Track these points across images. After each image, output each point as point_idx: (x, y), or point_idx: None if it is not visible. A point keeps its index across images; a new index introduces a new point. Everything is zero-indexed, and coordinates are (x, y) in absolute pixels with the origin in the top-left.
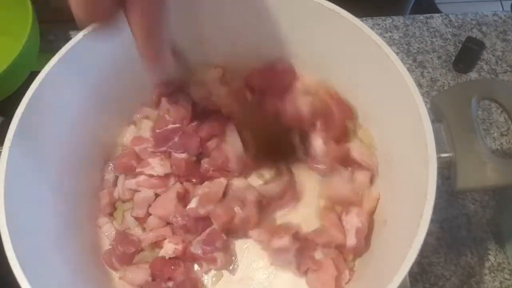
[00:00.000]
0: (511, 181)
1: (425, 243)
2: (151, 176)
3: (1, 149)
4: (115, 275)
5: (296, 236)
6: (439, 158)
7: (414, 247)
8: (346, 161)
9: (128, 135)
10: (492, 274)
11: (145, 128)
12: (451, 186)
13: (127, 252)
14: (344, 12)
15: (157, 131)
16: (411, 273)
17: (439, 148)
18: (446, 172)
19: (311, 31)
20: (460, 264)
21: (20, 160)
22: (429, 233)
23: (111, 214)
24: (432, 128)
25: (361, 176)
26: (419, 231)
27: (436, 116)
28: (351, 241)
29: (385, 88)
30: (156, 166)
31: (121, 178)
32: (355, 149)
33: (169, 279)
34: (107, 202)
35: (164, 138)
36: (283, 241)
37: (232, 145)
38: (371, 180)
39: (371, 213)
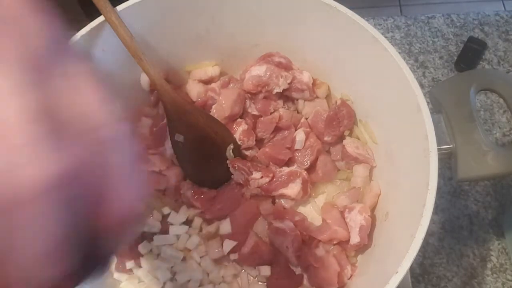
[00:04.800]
0: None
1: (427, 244)
2: (152, 172)
3: None
4: (113, 271)
5: (299, 223)
6: (439, 150)
7: (417, 237)
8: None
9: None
10: (494, 275)
11: (144, 126)
12: (452, 176)
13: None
14: (342, 7)
15: (154, 129)
16: (413, 274)
17: (439, 139)
18: (448, 173)
19: (309, 27)
20: (462, 265)
21: None
22: (431, 234)
23: None
24: (431, 119)
25: (361, 170)
26: (422, 220)
27: (435, 107)
28: (355, 239)
29: (384, 82)
30: (157, 162)
31: None
32: (349, 145)
33: None
34: None
35: (160, 134)
36: (283, 224)
37: None
38: (371, 174)
39: (373, 209)
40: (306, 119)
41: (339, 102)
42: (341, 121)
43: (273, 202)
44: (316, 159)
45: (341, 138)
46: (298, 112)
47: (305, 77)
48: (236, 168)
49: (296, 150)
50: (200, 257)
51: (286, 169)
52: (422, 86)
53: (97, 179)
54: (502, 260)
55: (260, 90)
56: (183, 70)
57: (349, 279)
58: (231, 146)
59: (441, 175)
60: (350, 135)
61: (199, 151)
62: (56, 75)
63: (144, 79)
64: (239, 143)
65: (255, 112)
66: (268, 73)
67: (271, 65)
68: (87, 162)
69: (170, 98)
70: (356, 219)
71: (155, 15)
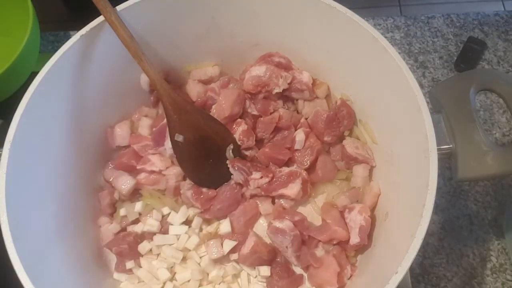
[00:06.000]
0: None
1: (427, 244)
2: (152, 172)
3: (1, 151)
4: (113, 271)
5: (298, 223)
6: (439, 150)
7: (417, 237)
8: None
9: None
10: (494, 275)
11: (144, 126)
12: (452, 176)
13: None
14: (341, 7)
15: (154, 129)
16: (413, 274)
17: (439, 139)
18: (448, 173)
19: (308, 27)
20: (462, 265)
21: (21, 162)
22: (431, 234)
23: (111, 215)
24: (431, 119)
25: (360, 170)
26: (422, 220)
27: (435, 107)
28: (355, 239)
29: (384, 82)
30: (157, 162)
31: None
32: (349, 145)
33: None
34: (107, 203)
35: (160, 134)
36: (283, 224)
37: None
38: (371, 174)
39: (373, 209)
40: (306, 119)
41: (339, 102)
42: (341, 121)
43: (273, 202)
44: (316, 159)
45: (341, 138)
46: (298, 112)
47: (305, 77)
48: (236, 168)
49: (296, 150)
50: (200, 257)
51: (286, 169)
52: (421, 86)
53: None
54: (502, 260)
55: (260, 90)
56: (183, 70)
57: (349, 279)
58: (231, 146)
59: (441, 175)
60: (350, 135)
61: (199, 151)
62: None
63: (144, 79)
64: (239, 143)
65: (255, 112)
66: (268, 73)
67: (271, 65)
68: None
69: (170, 98)
70: (356, 219)
71: (155, 15)
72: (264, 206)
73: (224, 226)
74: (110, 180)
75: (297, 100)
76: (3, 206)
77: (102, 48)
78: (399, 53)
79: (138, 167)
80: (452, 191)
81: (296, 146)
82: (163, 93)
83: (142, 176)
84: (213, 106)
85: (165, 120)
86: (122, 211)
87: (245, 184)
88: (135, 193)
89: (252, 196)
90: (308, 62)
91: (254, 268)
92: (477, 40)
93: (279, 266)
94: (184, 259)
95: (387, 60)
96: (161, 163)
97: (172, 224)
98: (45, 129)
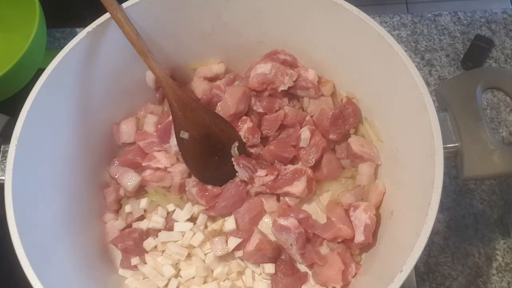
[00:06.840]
0: None
1: (432, 243)
2: (157, 169)
3: (8, 147)
4: (118, 267)
5: (303, 221)
6: (445, 148)
7: (422, 236)
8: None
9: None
10: (499, 274)
11: (150, 123)
12: (458, 175)
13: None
14: (347, 4)
15: (159, 126)
16: (417, 273)
17: (445, 138)
18: (454, 172)
19: (314, 25)
20: (467, 264)
21: (27, 158)
22: (436, 233)
23: (116, 211)
24: (437, 118)
25: (366, 168)
26: (428, 219)
27: (441, 106)
28: (360, 237)
29: (390, 79)
30: (162, 159)
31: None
32: (354, 143)
33: None
34: (113, 200)
35: (166, 131)
36: (288, 221)
37: None
38: (376, 172)
39: (378, 207)
40: (311, 117)
41: (344, 100)
42: (346, 119)
43: (278, 200)
44: (321, 157)
45: (346, 136)
46: (303, 110)
47: (310, 75)
48: (241, 165)
49: (301, 148)
50: (205, 254)
51: (291, 167)
52: (428, 84)
53: None
54: (508, 259)
55: (265, 88)
56: (188, 68)
57: (353, 277)
58: (236, 144)
59: (446, 174)
60: (356, 133)
61: (204, 149)
62: None
63: (150, 77)
64: (244, 140)
65: (260, 110)
66: (273, 71)
67: (277, 62)
68: None
69: (176, 96)
70: (361, 217)
71: (161, 13)
72: (269, 203)
73: (229, 223)
74: (116, 176)
75: (302, 98)
76: (9, 202)
77: (108, 45)
78: (406, 51)
79: (143, 164)
80: (458, 189)
81: (301, 144)
82: (169, 90)
83: (147, 173)
84: (219, 104)
85: (170, 117)
86: (127, 208)
87: (250, 182)
88: (140, 190)
89: (257, 194)
90: (313, 60)
91: (259, 265)
92: (484, 38)
93: (283, 263)
94: (189, 256)
95: (393, 58)
96: (167, 160)
97: (177, 221)
98: (51, 125)
